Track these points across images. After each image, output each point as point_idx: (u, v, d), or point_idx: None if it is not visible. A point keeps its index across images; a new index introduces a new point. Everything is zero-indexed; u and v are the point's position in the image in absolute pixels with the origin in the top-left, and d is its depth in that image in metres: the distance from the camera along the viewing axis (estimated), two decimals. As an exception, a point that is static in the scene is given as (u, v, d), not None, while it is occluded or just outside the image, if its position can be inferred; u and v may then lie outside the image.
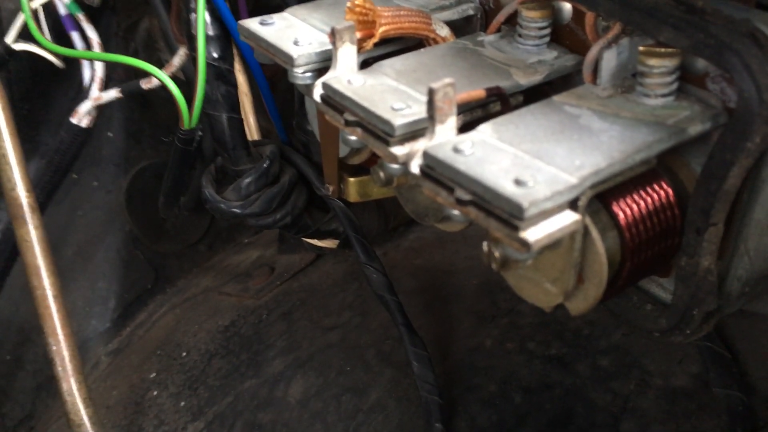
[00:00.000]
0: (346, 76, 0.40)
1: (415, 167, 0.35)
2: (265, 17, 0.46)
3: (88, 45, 0.86)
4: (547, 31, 0.44)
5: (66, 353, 0.74)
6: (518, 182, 0.31)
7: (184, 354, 0.78)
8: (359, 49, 0.42)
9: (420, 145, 0.36)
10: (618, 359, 0.56)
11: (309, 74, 0.43)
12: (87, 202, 0.99)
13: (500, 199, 0.31)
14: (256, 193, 0.60)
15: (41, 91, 0.95)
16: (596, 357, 0.56)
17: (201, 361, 0.76)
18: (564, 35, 0.44)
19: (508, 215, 0.31)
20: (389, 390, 0.61)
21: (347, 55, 0.41)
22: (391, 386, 0.61)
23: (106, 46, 0.88)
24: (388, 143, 0.37)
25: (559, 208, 0.32)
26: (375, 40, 0.42)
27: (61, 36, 0.84)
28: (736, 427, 0.49)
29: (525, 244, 0.31)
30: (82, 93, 0.87)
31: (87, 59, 0.76)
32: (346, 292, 0.72)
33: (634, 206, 0.37)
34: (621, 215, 0.37)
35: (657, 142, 0.35)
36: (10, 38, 0.80)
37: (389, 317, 0.62)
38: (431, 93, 0.34)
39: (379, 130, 0.38)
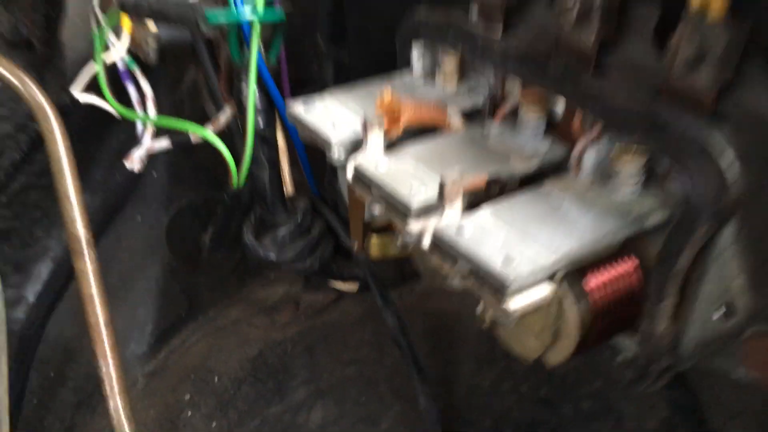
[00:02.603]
0: (374, 158, 0.49)
1: (426, 242, 0.44)
2: (308, 99, 0.55)
3: (141, 96, 0.97)
4: (543, 123, 0.52)
5: (114, 375, 0.83)
6: (506, 260, 0.40)
7: (216, 379, 0.87)
8: (386, 135, 0.51)
9: (432, 223, 0.45)
10: (597, 403, 0.63)
11: (342, 152, 0.52)
12: (131, 236, 1.08)
13: (490, 276, 0.39)
14: (289, 243, 0.69)
15: (96, 133, 1.05)
16: (579, 400, 0.64)
17: (231, 387, 0.84)
18: (557, 127, 0.53)
19: (496, 288, 0.39)
20: (398, 421, 0.69)
21: (376, 140, 0.50)
22: (400, 417, 0.69)
23: (156, 94, 0.98)
24: (405, 219, 0.46)
25: (537, 282, 0.40)
26: (399, 131, 0.51)
27: (115, 82, 0.94)
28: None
29: (507, 314, 0.39)
30: (134, 138, 0.97)
31: (146, 122, 0.84)
32: (364, 331, 0.80)
33: (603, 278, 0.46)
34: (591, 286, 0.45)
35: (620, 230, 0.43)
36: (76, 90, 0.90)
37: (401, 355, 0.70)
38: (442, 183, 0.43)
39: (399, 207, 0.46)
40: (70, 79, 1.01)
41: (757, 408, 0.60)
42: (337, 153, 0.50)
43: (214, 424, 0.80)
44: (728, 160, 0.43)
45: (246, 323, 0.94)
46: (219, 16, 0.61)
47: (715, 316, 0.47)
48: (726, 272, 0.45)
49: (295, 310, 0.90)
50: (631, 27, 0.50)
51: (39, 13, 0.89)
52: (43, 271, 1.11)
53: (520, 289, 0.39)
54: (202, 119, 1.01)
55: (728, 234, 0.44)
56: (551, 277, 0.41)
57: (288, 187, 0.74)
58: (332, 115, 0.52)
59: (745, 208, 0.43)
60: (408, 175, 0.47)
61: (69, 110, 0.93)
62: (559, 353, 0.46)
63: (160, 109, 0.97)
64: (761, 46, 0.45)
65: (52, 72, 0.98)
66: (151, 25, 0.90)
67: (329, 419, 0.72)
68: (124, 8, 0.67)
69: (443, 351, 0.73)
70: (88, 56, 0.99)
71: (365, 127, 0.49)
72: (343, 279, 0.81)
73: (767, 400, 0.59)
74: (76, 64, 1.03)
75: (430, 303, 0.73)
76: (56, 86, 0.99)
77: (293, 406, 0.76)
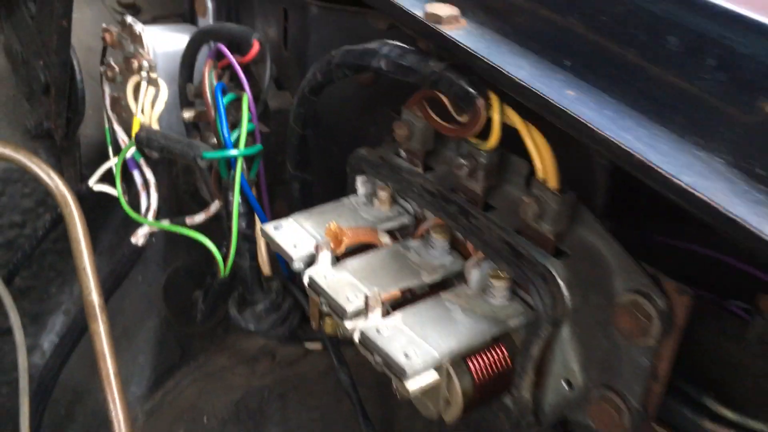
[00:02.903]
0: (322, 272, 0.68)
1: (356, 337, 0.63)
2: (277, 223, 0.74)
3: (145, 181, 1.15)
4: (447, 243, 0.71)
5: (121, 416, 1.01)
6: (406, 356, 0.59)
7: (205, 419, 1.05)
8: (333, 253, 0.70)
9: (360, 324, 0.64)
10: (501, 444, 0.82)
11: (301, 265, 0.71)
12: (133, 293, 1.26)
13: (395, 367, 0.58)
14: (266, 316, 0.88)
15: (104, 208, 1.24)
16: (486, 441, 0.83)
17: (218, 425, 1.02)
18: (459, 245, 0.72)
19: (398, 376, 0.58)
20: (350, 456, 0.88)
21: (324, 258, 0.69)
22: (351, 453, 0.88)
23: (155, 171, 1.16)
24: (342, 320, 0.65)
25: (427, 371, 0.59)
26: (342, 249, 0.70)
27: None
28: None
29: (407, 392, 0.58)
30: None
31: (149, 225, 1.01)
32: (326, 381, 0.99)
33: (481, 361, 0.64)
34: (472, 367, 0.64)
35: (491, 330, 0.62)
36: (92, 182, 1.08)
37: (352, 404, 0.89)
38: (366, 299, 0.62)
39: (338, 311, 0.65)
40: (84, 164, 1.21)
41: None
42: (296, 266, 0.70)
43: (204, 457, 0.99)
44: (563, 282, 0.62)
45: (230, 371, 1.13)
46: (211, 154, 0.80)
47: (563, 386, 0.66)
48: (566, 357, 0.65)
49: (271, 361, 1.09)
50: (509, 176, 0.70)
51: (62, 117, 1.08)
52: (56, 322, 1.29)
53: (415, 377, 0.59)
54: (194, 193, 1.20)
55: (566, 331, 0.64)
56: (438, 368, 0.60)
57: (266, 269, 0.94)
58: (294, 237, 0.71)
59: (575, 314, 0.63)
60: (346, 287, 0.66)
61: (85, 195, 1.12)
62: (451, 414, 0.65)
63: (159, 182, 1.16)
64: (597, 201, 0.65)
65: (70, 160, 1.17)
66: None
67: (297, 454, 0.91)
68: (138, 142, 0.86)
69: (386, 398, 0.92)
70: (101, 146, 1.18)
71: (317, 249, 0.68)
72: (310, 340, 1.00)
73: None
74: (90, 152, 1.22)
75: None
76: (73, 172, 1.18)
77: (268, 444, 0.94)
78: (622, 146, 0.50)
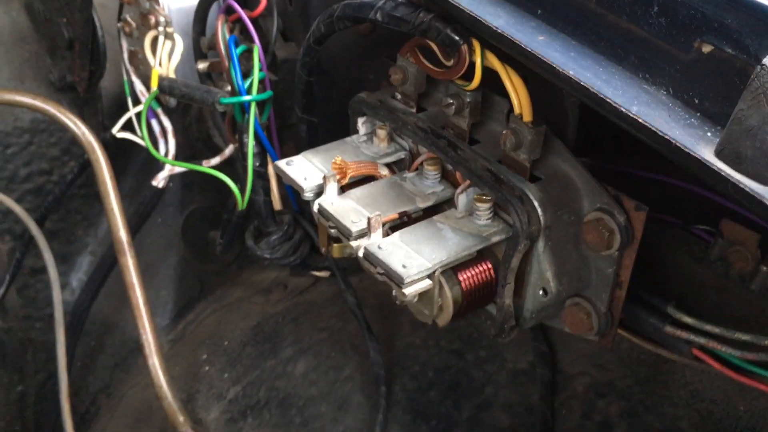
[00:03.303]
0: (330, 200, 0.78)
1: (360, 253, 0.73)
2: (290, 159, 0.84)
3: (162, 128, 1.24)
4: (439, 173, 0.81)
5: (151, 340, 1.12)
6: (403, 267, 0.69)
7: (226, 343, 1.16)
8: (339, 184, 0.80)
9: (363, 242, 0.74)
10: (490, 351, 0.93)
11: (311, 195, 0.81)
12: (155, 233, 1.36)
13: (394, 275, 0.69)
14: (279, 245, 0.99)
15: (125, 154, 1.33)
16: (478, 350, 0.94)
17: (237, 348, 1.13)
18: (449, 175, 0.82)
19: (397, 283, 0.69)
20: (356, 368, 0.99)
21: (332, 188, 0.79)
22: (357, 365, 0.99)
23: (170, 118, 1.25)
24: (348, 240, 0.75)
25: (422, 278, 0.70)
26: (346, 180, 0.80)
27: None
28: (544, 392, 0.87)
29: (405, 297, 0.69)
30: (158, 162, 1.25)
31: (171, 165, 1.11)
32: (334, 306, 1.10)
33: (469, 272, 0.75)
34: (461, 277, 0.74)
35: (475, 245, 0.72)
36: (115, 130, 1.18)
37: (358, 323, 1.00)
38: (368, 220, 0.73)
39: (344, 233, 0.76)
40: (106, 115, 1.30)
41: (593, 351, 0.91)
42: (307, 196, 0.80)
43: (225, 375, 1.10)
44: (537, 203, 0.72)
45: (246, 301, 1.24)
46: (229, 99, 0.90)
47: (539, 294, 0.77)
48: (542, 268, 0.75)
49: (284, 291, 1.20)
50: (492, 113, 0.80)
51: (84, 70, 1.17)
52: (83, 262, 1.40)
53: (411, 283, 0.69)
54: (207, 140, 1.30)
55: (541, 245, 0.74)
56: (431, 276, 0.71)
57: (277, 204, 1.04)
58: (304, 171, 0.81)
59: (548, 230, 0.73)
60: (351, 212, 0.77)
61: (109, 142, 1.21)
62: (443, 319, 0.75)
63: (173, 131, 1.25)
64: (560, 133, 0.75)
65: (92, 111, 1.26)
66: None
67: (309, 368, 1.02)
68: (162, 89, 0.96)
69: (389, 318, 1.02)
70: (118, 97, 1.27)
71: (324, 180, 0.78)
72: (318, 269, 1.11)
73: (599, 346, 0.89)
74: (110, 103, 1.31)
75: (380, 285, 1.02)
76: (95, 123, 1.27)
77: (283, 360, 1.05)
78: (581, 82, 0.59)
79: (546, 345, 0.90)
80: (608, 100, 0.58)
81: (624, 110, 0.57)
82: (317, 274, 1.12)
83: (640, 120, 0.56)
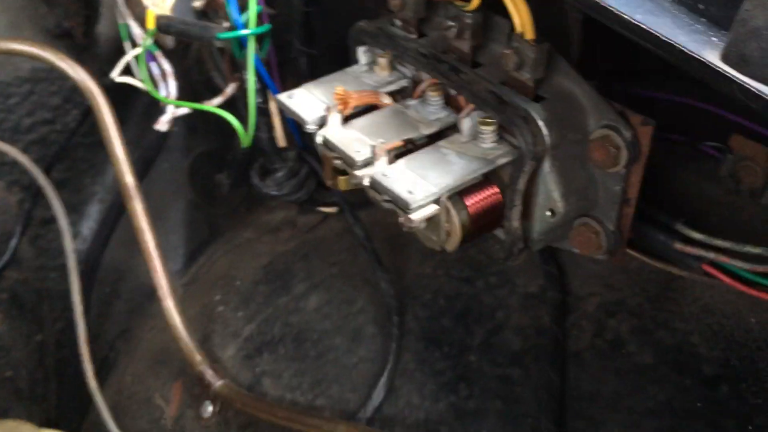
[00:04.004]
0: (333, 131, 0.78)
1: (366, 182, 0.73)
2: (291, 92, 0.83)
3: (162, 71, 1.23)
4: (442, 99, 0.80)
5: (164, 282, 1.13)
6: (409, 192, 0.69)
7: (238, 282, 1.17)
8: (341, 114, 0.79)
9: (368, 171, 0.73)
10: (500, 277, 0.94)
11: (314, 127, 0.80)
12: (161, 179, 1.36)
13: (400, 201, 0.68)
14: (285, 182, 0.98)
15: (126, 100, 1.32)
16: (488, 276, 0.94)
17: (250, 287, 1.15)
18: (452, 101, 0.81)
19: (403, 209, 0.68)
20: (368, 300, 1.00)
21: (334, 119, 0.78)
22: (369, 298, 1.00)
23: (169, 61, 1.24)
24: (353, 169, 0.75)
25: (429, 203, 0.70)
26: (349, 110, 0.79)
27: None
28: (555, 313, 0.88)
29: (412, 222, 0.69)
30: (155, 102, 1.24)
31: (172, 105, 1.10)
32: (343, 241, 1.10)
33: (476, 196, 0.74)
34: (468, 201, 0.74)
35: (480, 168, 0.72)
36: (115, 74, 1.16)
37: (368, 256, 1.01)
38: (373, 148, 0.72)
39: (349, 162, 0.75)
40: (104, 61, 1.29)
41: (603, 272, 0.91)
42: (310, 128, 0.79)
43: (240, 314, 1.11)
44: (542, 123, 0.71)
45: (256, 242, 1.24)
46: (226, 34, 0.89)
47: (547, 215, 0.77)
48: (548, 188, 0.74)
49: (293, 229, 1.20)
50: (493, 35, 0.78)
51: (80, 15, 1.15)
52: (92, 211, 1.41)
53: (418, 209, 0.69)
54: (207, 81, 1.28)
55: (547, 166, 0.73)
56: (437, 201, 0.71)
57: (280, 141, 1.03)
58: (306, 102, 0.80)
59: (553, 150, 0.72)
60: (355, 141, 0.76)
61: (109, 88, 1.20)
62: (452, 244, 0.75)
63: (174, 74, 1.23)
64: (564, 52, 0.73)
65: (90, 57, 1.25)
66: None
67: (321, 303, 1.02)
68: (159, 28, 0.94)
69: (398, 250, 1.03)
70: (115, 42, 1.25)
71: (327, 110, 0.78)
72: (326, 205, 1.11)
73: (609, 266, 0.90)
74: (108, 48, 1.30)
75: (389, 217, 1.02)
76: (94, 69, 1.26)
77: (296, 297, 1.06)
78: (582, -8, 0.58)
79: (556, 267, 0.91)
80: (611, 8, 0.56)
81: (627, 17, 0.56)
82: (325, 209, 1.12)
83: (644, 27, 0.55)
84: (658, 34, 0.54)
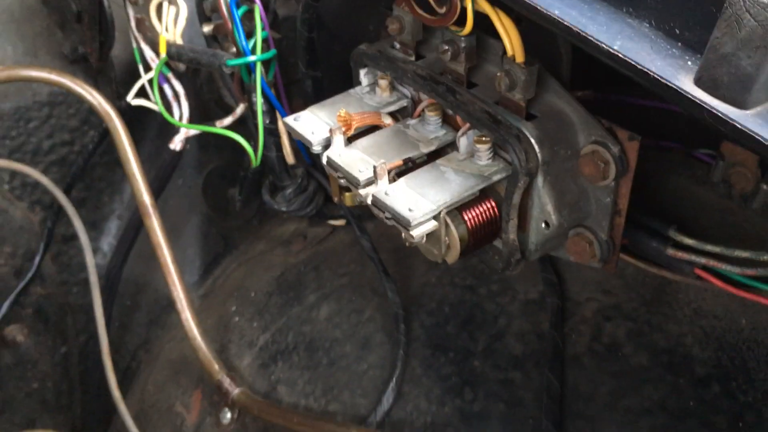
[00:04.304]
0: (337, 151, 0.82)
1: (369, 200, 0.77)
2: (297, 115, 0.87)
3: (174, 92, 1.28)
4: (440, 119, 0.84)
5: (182, 295, 1.18)
6: (409, 210, 0.73)
7: (252, 294, 1.22)
8: (344, 135, 0.83)
9: (371, 190, 0.78)
10: (502, 285, 0.98)
11: (320, 148, 0.85)
12: (176, 195, 1.41)
13: (401, 219, 0.73)
14: (294, 198, 1.03)
15: (141, 120, 1.37)
16: (490, 285, 0.98)
17: (264, 298, 1.19)
18: (450, 119, 0.85)
19: (405, 226, 0.73)
20: (376, 309, 1.04)
21: (338, 140, 0.83)
22: (377, 306, 1.04)
23: (181, 83, 1.29)
24: (357, 188, 0.79)
25: (428, 220, 0.74)
26: (351, 131, 0.83)
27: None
28: (554, 319, 0.91)
29: (413, 238, 0.73)
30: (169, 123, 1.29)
31: (186, 128, 1.14)
32: (352, 252, 1.14)
33: (474, 211, 0.78)
34: (466, 216, 0.78)
35: (477, 185, 0.76)
36: (130, 97, 1.22)
37: (375, 267, 1.05)
38: (374, 168, 0.76)
39: (353, 182, 0.80)
40: (119, 83, 1.34)
41: (600, 278, 0.95)
42: (316, 149, 0.84)
43: (254, 324, 1.16)
44: (534, 140, 0.75)
45: (269, 254, 1.29)
46: (234, 61, 0.93)
47: (542, 227, 0.81)
48: (542, 202, 0.78)
49: (304, 241, 1.25)
50: (488, 56, 0.82)
51: (95, 41, 1.20)
52: (112, 227, 1.46)
53: (418, 225, 0.73)
54: (219, 100, 1.33)
55: (540, 180, 0.77)
56: (437, 217, 0.75)
57: (290, 158, 1.08)
58: (311, 125, 0.85)
59: (545, 165, 0.76)
60: (358, 161, 0.80)
61: (123, 111, 1.25)
62: (452, 256, 0.80)
63: (187, 93, 1.28)
64: (553, 73, 0.77)
65: (106, 80, 1.30)
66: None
67: (332, 313, 1.07)
68: (170, 56, 0.99)
69: (404, 261, 1.07)
70: (129, 65, 1.30)
71: (331, 133, 0.82)
72: (335, 218, 1.15)
73: (605, 274, 0.93)
74: (123, 72, 1.35)
75: (394, 229, 1.06)
76: (110, 92, 1.31)
77: (307, 307, 1.11)
78: (564, 22, 0.62)
79: (554, 275, 0.94)
80: (590, 38, 0.60)
81: (605, 46, 0.60)
82: (334, 222, 1.16)
83: (620, 55, 0.59)
84: (632, 62, 0.58)
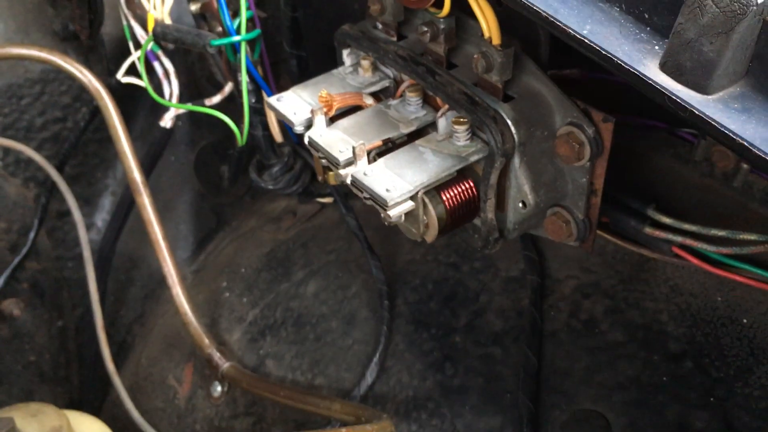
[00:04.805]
0: (319, 132, 0.83)
1: (348, 180, 0.79)
2: (280, 95, 0.88)
3: (165, 70, 1.29)
4: (420, 99, 0.85)
5: (173, 271, 1.20)
6: (387, 191, 0.75)
7: (243, 270, 1.24)
8: (326, 116, 0.85)
9: (350, 170, 0.79)
10: (484, 262, 0.99)
11: (302, 128, 0.86)
12: (168, 171, 1.42)
13: (379, 198, 0.74)
14: (281, 176, 1.04)
15: (132, 98, 1.38)
16: (473, 262, 1.00)
17: (254, 274, 1.21)
18: (430, 100, 0.86)
19: (382, 206, 0.74)
20: (362, 285, 1.06)
21: (320, 121, 0.84)
22: (363, 283, 1.06)
23: (173, 61, 1.30)
24: (337, 168, 0.80)
25: (405, 200, 0.75)
26: (333, 112, 0.84)
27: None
28: (533, 296, 0.93)
29: (390, 218, 0.74)
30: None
31: (174, 107, 1.15)
32: (339, 229, 1.16)
33: (452, 191, 0.80)
34: (444, 197, 0.79)
35: (454, 165, 0.77)
36: (120, 75, 1.22)
37: (361, 244, 1.07)
38: (353, 149, 0.78)
39: (333, 162, 0.81)
40: (110, 60, 1.35)
41: (580, 256, 0.96)
42: (298, 130, 0.85)
43: (244, 299, 1.18)
44: (511, 121, 0.76)
45: (260, 230, 1.30)
46: (218, 41, 0.94)
47: (519, 206, 0.82)
48: (519, 182, 0.80)
49: (293, 218, 1.26)
50: (468, 37, 0.83)
51: (85, 19, 1.21)
52: (105, 203, 1.48)
53: (395, 205, 0.75)
54: (210, 77, 1.34)
55: (517, 161, 0.79)
56: (414, 197, 0.76)
57: (277, 137, 1.09)
58: (293, 106, 0.86)
59: (522, 146, 0.77)
60: (339, 142, 0.81)
61: (114, 88, 1.26)
62: (431, 235, 0.81)
63: (177, 71, 1.29)
64: (531, 54, 0.78)
65: (97, 58, 1.31)
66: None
67: (319, 289, 1.09)
68: (155, 35, 1.00)
69: (389, 239, 1.08)
70: (120, 42, 1.31)
71: (312, 113, 0.83)
72: (323, 195, 1.17)
73: (583, 252, 0.95)
74: (113, 49, 1.36)
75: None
76: (100, 69, 1.32)
77: (295, 283, 1.13)
78: (534, 6, 0.63)
79: (535, 252, 0.96)
80: (559, 22, 0.61)
81: (573, 32, 0.61)
82: (322, 200, 1.18)
83: (587, 40, 0.60)
84: (597, 47, 0.59)
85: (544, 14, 0.62)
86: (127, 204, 1.32)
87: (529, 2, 0.62)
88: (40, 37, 1.32)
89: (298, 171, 1.05)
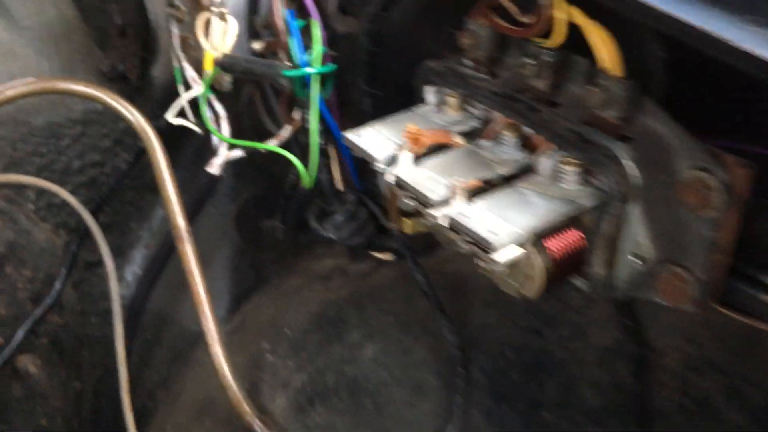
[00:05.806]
0: (406, 169, 0.75)
1: (443, 222, 0.69)
2: (357, 130, 0.80)
3: (215, 115, 1.22)
4: (517, 140, 0.77)
5: (213, 328, 1.10)
6: (491, 233, 0.65)
7: (287, 331, 1.13)
8: (414, 151, 0.76)
9: (446, 210, 0.70)
10: (571, 329, 0.89)
11: (384, 166, 0.77)
12: (207, 224, 1.34)
13: (483, 243, 0.65)
14: (344, 225, 0.95)
15: (178, 143, 1.31)
16: (557, 328, 0.90)
17: (300, 335, 1.10)
18: (528, 141, 0.78)
19: (485, 250, 0.65)
20: (428, 350, 0.95)
21: (406, 156, 0.75)
22: (429, 347, 0.95)
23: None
24: (428, 209, 0.71)
25: (513, 245, 0.66)
26: (421, 148, 0.76)
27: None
28: (636, 368, 0.82)
29: (497, 264, 0.65)
30: (205, 146, 1.23)
31: (227, 147, 1.08)
32: (399, 289, 1.06)
33: (558, 240, 0.71)
34: (551, 245, 0.70)
35: (566, 212, 0.68)
36: (169, 115, 1.16)
37: (428, 304, 0.97)
38: (452, 186, 0.69)
39: (424, 200, 0.72)
40: (157, 103, 1.28)
41: (683, 324, 0.86)
42: (380, 167, 0.76)
43: (290, 362, 1.07)
44: (629, 164, 0.68)
45: (305, 289, 1.20)
46: (292, 72, 0.87)
47: (633, 260, 0.72)
48: (635, 232, 0.70)
49: (344, 277, 1.17)
50: (570, 74, 0.75)
51: (137, 57, 1.15)
52: (137, 256, 1.38)
53: (501, 250, 0.65)
54: (258, 128, 1.27)
55: (633, 208, 0.69)
56: (522, 244, 0.67)
57: (339, 184, 1.00)
58: (375, 141, 0.78)
59: (641, 193, 0.68)
60: (428, 180, 0.73)
61: (163, 130, 1.19)
62: (533, 291, 0.71)
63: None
64: (653, 93, 0.70)
65: (144, 100, 1.24)
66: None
67: (378, 352, 0.98)
68: (222, 67, 0.93)
69: (459, 300, 0.98)
70: (168, 85, 1.25)
71: (398, 149, 0.75)
72: (382, 251, 1.07)
73: (689, 319, 0.85)
74: (160, 92, 1.29)
75: (449, 266, 0.98)
76: (148, 111, 1.25)
77: (350, 346, 1.02)
78: (698, 27, 0.55)
79: (633, 319, 0.86)
80: (727, 42, 0.53)
81: (735, 45, 0.53)
82: (379, 255, 1.08)
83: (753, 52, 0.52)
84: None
85: (710, 33, 0.54)
86: (162, 258, 1.23)
87: (693, 23, 0.55)
88: (85, 77, 1.26)
89: (363, 221, 0.96)
